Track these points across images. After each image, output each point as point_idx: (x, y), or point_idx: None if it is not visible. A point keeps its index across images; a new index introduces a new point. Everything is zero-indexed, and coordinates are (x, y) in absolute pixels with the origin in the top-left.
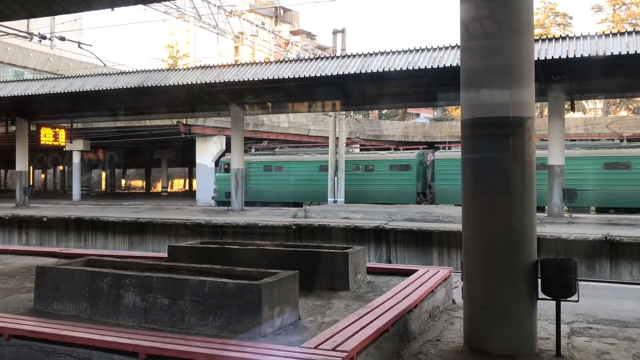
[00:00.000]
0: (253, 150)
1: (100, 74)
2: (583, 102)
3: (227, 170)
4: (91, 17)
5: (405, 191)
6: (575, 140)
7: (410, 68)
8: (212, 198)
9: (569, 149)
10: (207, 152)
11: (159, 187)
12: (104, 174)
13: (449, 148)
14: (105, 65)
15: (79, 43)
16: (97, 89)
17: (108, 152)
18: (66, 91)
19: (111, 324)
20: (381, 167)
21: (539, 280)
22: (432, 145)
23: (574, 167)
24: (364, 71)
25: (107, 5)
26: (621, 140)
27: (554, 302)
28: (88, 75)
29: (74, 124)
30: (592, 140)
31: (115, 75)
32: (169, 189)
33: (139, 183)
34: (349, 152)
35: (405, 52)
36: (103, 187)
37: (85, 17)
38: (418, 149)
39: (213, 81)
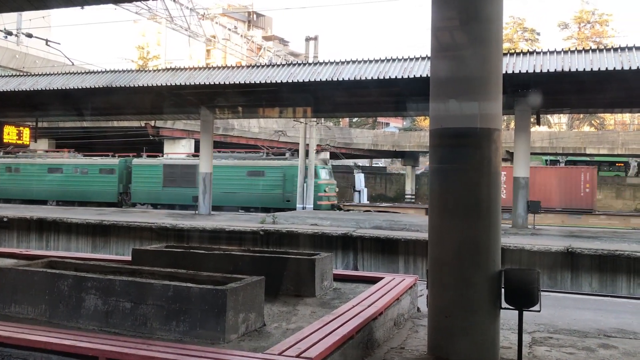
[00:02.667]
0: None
1: (67, 73)
2: (548, 116)
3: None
4: (60, 14)
5: (110, 191)
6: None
7: (382, 77)
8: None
9: (225, 159)
10: None
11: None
12: None
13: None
14: (73, 64)
15: (47, 40)
16: (64, 88)
17: (74, 152)
18: (32, 89)
19: (71, 327)
20: (93, 170)
21: (503, 290)
22: (401, 154)
23: (227, 174)
24: (335, 79)
25: (77, 3)
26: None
27: (517, 311)
28: (55, 74)
29: (39, 123)
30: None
31: (83, 75)
32: None
33: None
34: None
35: (376, 61)
36: None
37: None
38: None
39: (183, 83)
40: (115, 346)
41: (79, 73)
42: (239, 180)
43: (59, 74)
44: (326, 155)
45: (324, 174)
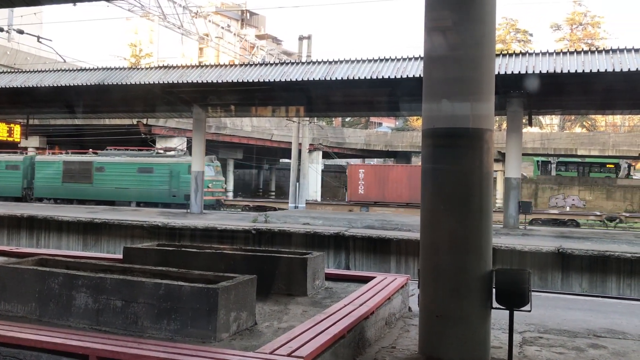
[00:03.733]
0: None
1: (59, 70)
2: (540, 117)
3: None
4: (52, 11)
5: (15, 186)
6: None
7: (375, 77)
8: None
9: (119, 157)
10: None
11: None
12: None
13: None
14: (65, 61)
15: (38, 37)
16: (55, 85)
17: (64, 149)
18: (23, 86)
19: (61, 325)
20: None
21: (494, 290)
22: (393, 154)
23: (120, 170)
24: (328, 78)
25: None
26: None
27: (508, 311)
28: (46, 71)
29: (30, 120)
30: (129, 150)
31: (75, 72)
32: None
33: None
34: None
35: (370, 61)
36: None
37: (46, 11)
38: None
39: (176, 81)
40: (106, 345)
41: (71, 70)
42: (131, 176)
43: (51, 71)
44: (319, 154)
45: (208, 170)
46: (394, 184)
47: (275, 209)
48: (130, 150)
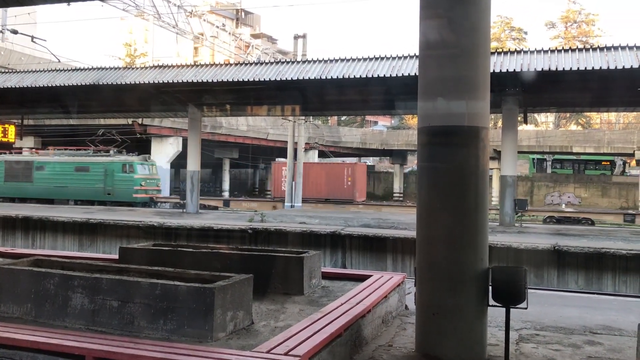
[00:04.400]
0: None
1: (54, 70)
2: (535, 115)
3: None
4: (46, 11)
5: None
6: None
7: (370, 76)
8: None
9: (58, 156)
10: (162, 153)
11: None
12: None
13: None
14: (59, 61)
15: (32, 37)
16: (50, 85)
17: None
18: (17, 86)
19: (57, 326)
20: None
21: (490, 287)
22: (389, 153)
23: (59, 169)
24: (324, 77)
25: None
26: None
27: (504, 309)
28: (41, 71)
29: (24, 121)
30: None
31: (69, 72)
32: None
33: None
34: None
35: (364, 59)
36: None
37: (40, 10)
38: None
39: (171, 81)
40: (102, 345)
41: (66, 70)
42: (69, 175)
43: (45, 71)
44: (315, 153)
45: (141, 169)
46: (314, 181)
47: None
48: (69, 150)
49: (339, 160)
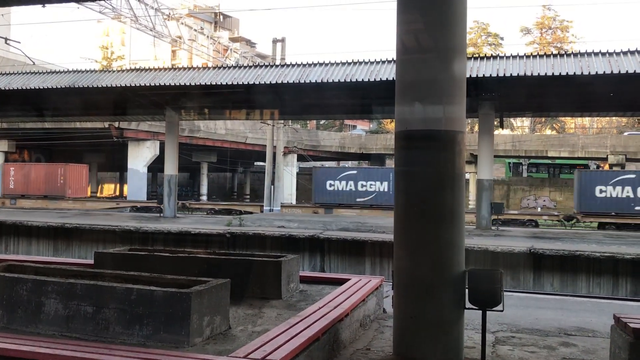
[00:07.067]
0: None
1: (28, 73)
2: (511, 119)
3: None
4: (21, 12)
5: None
6: None
7: (348, 80)
8: None
9: None
10: (139, 157)
11: (88, 192)
12: None
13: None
14: (34, 64)
15: (6, 39)
16: (24, 88)
17: (34, 154)
18: None
19: (30, 333)
20: None
21: (467, 290)
22: (367, 157)
23: None
24: (302, 81)
25: (38, 1)
26: None
27: (480, 311)
28: (15, 73)
29: None
30: None
31: (44, 75)
32: (98, 194)
33: None
34: None
35: (343, 64)
36: None
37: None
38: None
39: (148, 84)
40: (76, 351)
41: (40, 73)
42: None
43: (19, 74)
44: (294, 157)
45: None
46: (35, 179)
47: (241, 212)
48: None
49: (319, 164)
